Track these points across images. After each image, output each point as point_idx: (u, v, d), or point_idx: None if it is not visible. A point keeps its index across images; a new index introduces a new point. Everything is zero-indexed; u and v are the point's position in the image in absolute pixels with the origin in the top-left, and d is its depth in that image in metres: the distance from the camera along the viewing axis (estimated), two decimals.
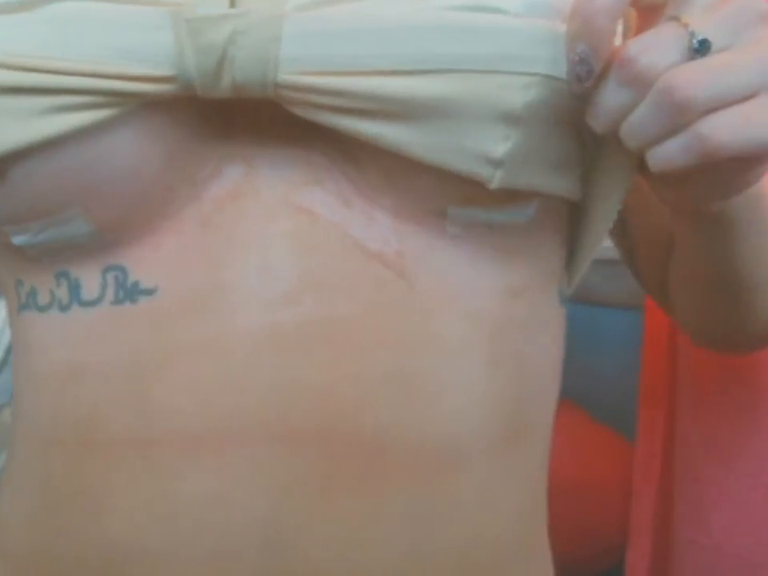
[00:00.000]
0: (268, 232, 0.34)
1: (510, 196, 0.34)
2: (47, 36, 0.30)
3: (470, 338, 0.35)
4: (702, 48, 0.28)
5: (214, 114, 0.34)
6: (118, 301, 0.34)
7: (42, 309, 0.35)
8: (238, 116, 0.34)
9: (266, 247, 0.33)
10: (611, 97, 0.29)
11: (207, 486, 0.33)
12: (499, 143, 0.31)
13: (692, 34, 0.28)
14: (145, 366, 0.33)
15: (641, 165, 0.32)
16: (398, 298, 0.34)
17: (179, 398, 0.33)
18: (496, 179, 0.32)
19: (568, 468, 0.91)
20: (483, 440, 0.36)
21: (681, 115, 0.28)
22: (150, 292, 0.34)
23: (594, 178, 0.36)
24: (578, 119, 0.32)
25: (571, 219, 0.40)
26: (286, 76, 0.30)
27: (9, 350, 0.74)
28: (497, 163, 0.32)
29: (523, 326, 0.37)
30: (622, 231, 0.49)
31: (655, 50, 0.28)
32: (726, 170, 0.31)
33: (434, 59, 0.30)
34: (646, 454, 0.72)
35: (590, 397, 1.02)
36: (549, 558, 0.43)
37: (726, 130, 0.27)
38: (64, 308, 0.35)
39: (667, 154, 0.29)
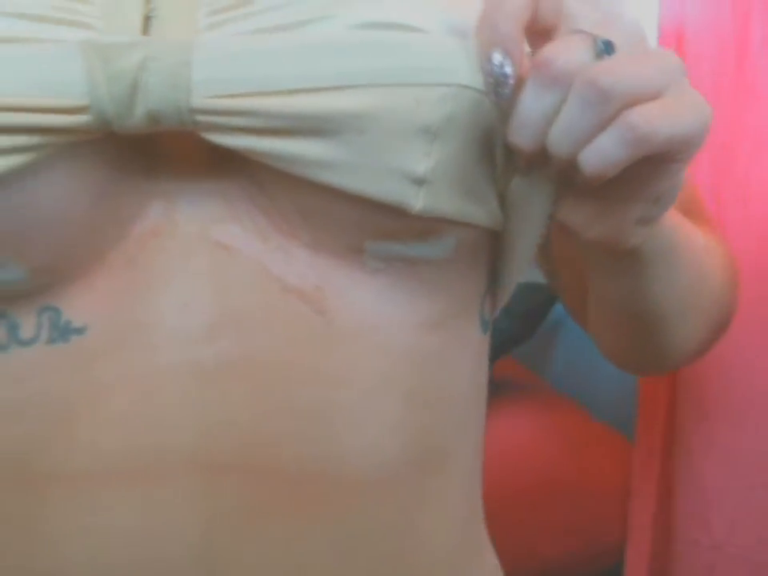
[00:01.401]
0: (187, 269, 0.34)
1: (427, 230, 0.34)
2: None
3: (387, 372, 0.36)
4: (607, 48, 0.30)
5: (135, 152, 0.33)
6: (52, 340, 0.34)
7: None
8: (159, 152, 0.34)
9: (186, 284, 0.34)
10: (533, 104, 0.30)
11: (135, 520, 0.33)
12: (420, 160, 0.31)
13: (596, 38, 0.30)
14: (73, 404, 0.34)
15: (559, 207, 0.34)
16: (316, 333, 0.34)
17: (103, 435, 0.33)
18: (420, 200, 0.32)
19: (567, 467, 0.91)
20: (400, 469, 0.36)
21: (606, 103, 0.29)
22: (80, 331, 0.34)
23: (514, 208, 0.36)
24: (495, 140, 0.33)
25: (493, 247, 0.40)
26: (200, 100, 0.30)
27: None
28: (419, 181, 0.31)
29: (439, 356, 0.37)
30: (544, 256, 0.50)
31: (569, 50, 0.30)
32: (645, 175, 0.31)
33: (348, 75, 0.30)
34: (645, 453, 0.72)
35: (590, 396, 1.02)
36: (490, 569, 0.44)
37: (655, 117, 0.29)
38: (4, 348, 0.35)
39: (601, 150, 0.29)
